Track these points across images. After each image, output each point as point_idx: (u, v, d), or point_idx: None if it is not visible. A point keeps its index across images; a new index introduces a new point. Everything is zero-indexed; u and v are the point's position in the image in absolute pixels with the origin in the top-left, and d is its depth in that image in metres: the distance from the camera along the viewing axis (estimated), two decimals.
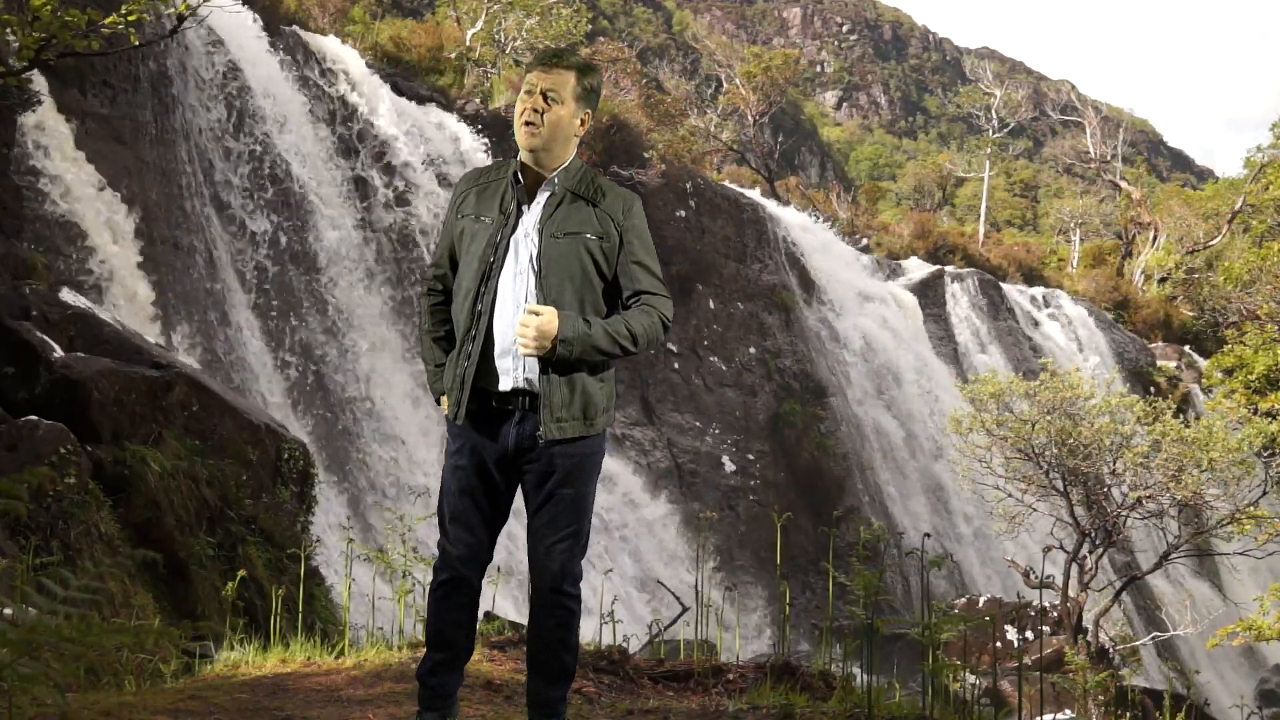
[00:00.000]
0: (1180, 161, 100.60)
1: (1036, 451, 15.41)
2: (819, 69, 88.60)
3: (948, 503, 23.55)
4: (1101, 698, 12.45)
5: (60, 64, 10.42)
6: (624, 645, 5.54)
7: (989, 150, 45.48)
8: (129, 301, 11.23)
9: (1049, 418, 15.24)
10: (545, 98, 3.40)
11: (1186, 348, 36.39)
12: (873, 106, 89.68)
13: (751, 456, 21.25)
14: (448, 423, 3.53)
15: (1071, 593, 15.39)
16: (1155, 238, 41.15)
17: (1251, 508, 15.15)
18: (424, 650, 3.63)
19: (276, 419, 10.38)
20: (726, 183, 26.89)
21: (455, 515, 3.49)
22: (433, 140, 17.50)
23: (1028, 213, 70.37)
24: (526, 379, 3.37)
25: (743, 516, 20.23)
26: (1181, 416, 16.32)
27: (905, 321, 26.80)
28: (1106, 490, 15.45)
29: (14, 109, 10.28)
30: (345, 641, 5.26)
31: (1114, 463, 15.17)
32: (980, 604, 17.21)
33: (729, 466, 20.83)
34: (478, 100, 20.27)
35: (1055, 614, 15.75)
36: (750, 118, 36.19)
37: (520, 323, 3.29)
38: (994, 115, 46.00)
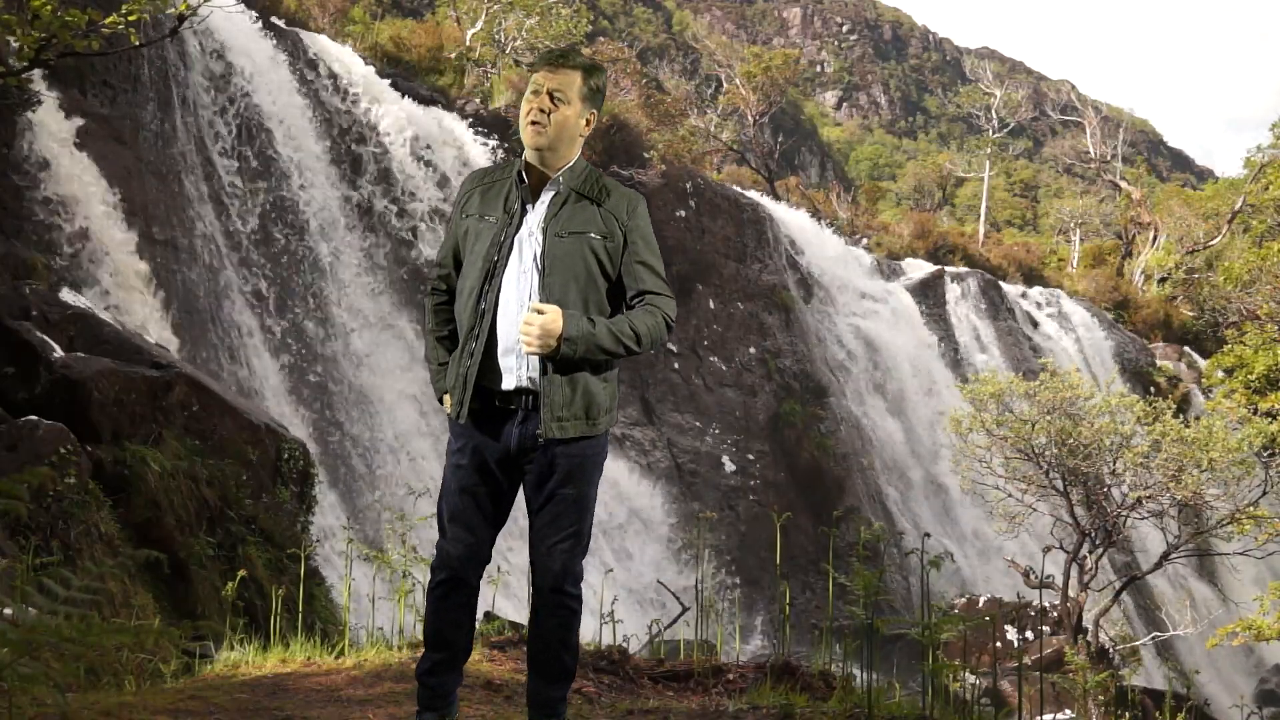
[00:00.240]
0: (1180, 161, 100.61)
1: (1036, 451, 15.41)
2: (819, 69, 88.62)
3: (947, 503, 23.54)
4: (1101, 698, 12.45)
5: (60, 64, 10.40)
6: (624, 645, 5.54)
7: (989, 150, 45.45)
8: (129, 301, 11.22)
9: (1049, 418, 15.24)
10: (552, 97, 3.40)
11: (1186, 348, 36.36)
12: (873, 106, 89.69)
13: (751, 456, 21.24)
14: (450, 421, 3.52)
15: (1071, 593, 15.39)
16: (1155, 238, 41.12)
17: (1251, 508, 15.15)
18: (423, 650, 3.63)
19: (276, 419, 10.39)
20: (726, 183, 26.87)
21: (455, 514, 3.48)
22: (433, 140, 17.50)
23: (1028, 213, 70.34)
24: (529, 378, 3.37)
25: (743, 516, 20.22)
26: (1181, 416, 16.31)
27: (905, 322, 26.79)
28: (1106, 490, 15.45)
29: (14, 109, 10.29)
30: (345, 641, 5.26)
31: (1114, 463, 15.17)
32: (980, 604, 17.19)
33: (729, 466, 20.82)
34: (478, 100, 20.28)
35: (1055, 614, 15.75)
36: (750, 118, 36.16)
37: (524, 321, 3.27)
38: (994, 115, 45.97)
